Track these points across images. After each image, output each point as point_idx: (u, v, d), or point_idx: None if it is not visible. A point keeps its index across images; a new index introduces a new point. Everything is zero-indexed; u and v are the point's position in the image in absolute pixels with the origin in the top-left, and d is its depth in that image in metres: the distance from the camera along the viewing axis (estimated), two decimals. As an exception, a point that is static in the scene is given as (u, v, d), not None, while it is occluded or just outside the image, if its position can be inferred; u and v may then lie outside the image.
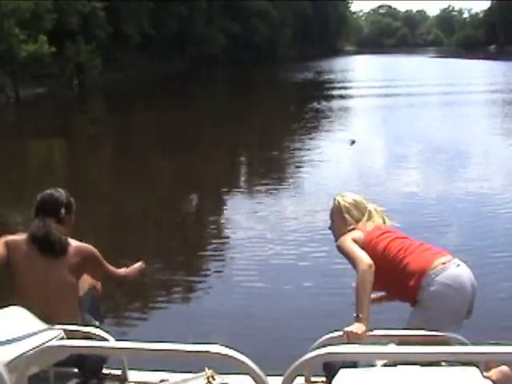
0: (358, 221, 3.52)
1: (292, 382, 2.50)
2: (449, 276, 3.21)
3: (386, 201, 8.54)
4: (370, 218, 3.54)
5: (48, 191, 3.72)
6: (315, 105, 23.92)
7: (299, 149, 14.84)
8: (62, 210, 3.65)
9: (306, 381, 3.18)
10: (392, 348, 2.03)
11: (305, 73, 45.24)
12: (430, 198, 10.09)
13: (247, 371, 2.07)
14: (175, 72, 46.80)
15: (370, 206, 3.60)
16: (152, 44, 50.00)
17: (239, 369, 3.33)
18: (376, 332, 3.14)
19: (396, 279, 3.31)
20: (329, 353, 2.02)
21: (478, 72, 48.04)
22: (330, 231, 3.67)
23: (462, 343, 3.00)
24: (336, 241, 3.54)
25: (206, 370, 3.29)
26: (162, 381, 3.23)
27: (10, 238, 3.61)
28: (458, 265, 3.29)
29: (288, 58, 67.21)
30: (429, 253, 3.34)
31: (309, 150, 14.67)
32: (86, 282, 3.71)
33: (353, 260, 3.31)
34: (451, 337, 3.05)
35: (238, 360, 2.03)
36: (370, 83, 33.91)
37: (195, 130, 18.92)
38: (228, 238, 8.37)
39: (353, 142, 14.23)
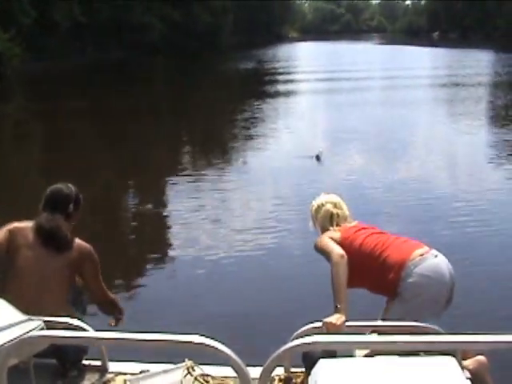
0: (323, 227, 3.61)
1: (271, 372, 2.52)
2: (427, 267, 3.25)
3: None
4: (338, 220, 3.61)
5: (58, 186, 3.77)
6: (257, 102, 21.40)
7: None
8: (71, 206, 3.71)
9: (285, 371, 3.20)
10: (368, 337, 2.05)
11: (248, 63, 42.87)
12: (371, 187, 10.16)
13: (228, 362, 2.09)
14: (111, 61, 43.27)
15: (335, 210, 3.65)
16: (85, 32, 45.99)
17: (219, 359, 3.37)
18: (354, 323, 3.17)
19: (375, 273, 3.35)
20: (307, 343, 2.04)
21: (422, 58, 48.37)
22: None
23: (439, 334, 3.04)
24: None
25: (186, 360, 3.30)
26: (142, 371, 3.23)
27: (15, 225, 3.65)
28: (436, 255, 3.33)
29: (231, 45, 65.29)
30: (406, 245, 3.38)
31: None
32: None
33: (326, 254, 3.35)
34: (429, 327, 3.09)
35: (220, 350, 2.04)
36: (316, 75, 32.95)
37: (125, 127, 17.16)
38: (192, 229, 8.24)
39: (318, 158, 11.48)
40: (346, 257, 3.25)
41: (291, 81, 29.59)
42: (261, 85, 27.27)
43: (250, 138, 15.05)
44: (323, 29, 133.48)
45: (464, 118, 17.95)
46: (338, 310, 3.16)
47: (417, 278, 3.21)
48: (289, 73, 34.36)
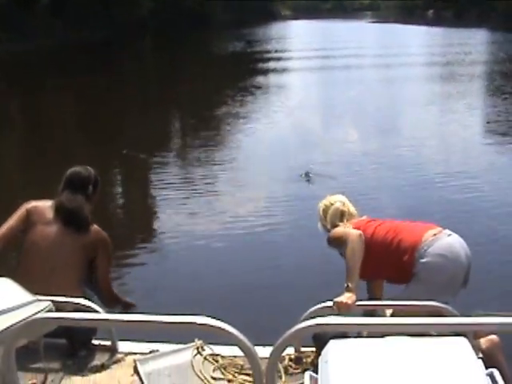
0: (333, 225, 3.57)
1: (281, 352, 2.50)
2: (441, 246, 3.21)
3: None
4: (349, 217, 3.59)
5: (77, 168, 3.80)
6: (248, 85, 20.11)
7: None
8: (90, 187, 3.74)
9: (295, 351, 3.18)
10: (381, 319, 2.02)
11: (240, 42, 40.39)
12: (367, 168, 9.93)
13: (235, 342, 2.06)
14: (96, 41, 39.38)
15: (344, 208, 3.62)
16: (67, 9, 41.38)
17: (229, 339, 3.36)
18: (366, 302, 3.15)
19: (390, 259, 3.31)
20: (318, 324, 2.01)
21: (416, 37, 47.65)
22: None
23: (452, 314, 3.00)
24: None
25: (196, 340, 3.29)
26: (151, 351, 3.22)
27: (34, 203, 3.67)
28: (450, 234, 3.30)
29: (223, 23, 63.31)
30: (418, 227, 3.35)
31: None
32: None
33: (342, 239, 3.30)
34: (442, 307, 3.05)
35: (226, 331, 2.01)
36: (307, 53, 32.15)
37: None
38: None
39: (307, 176, 9.13)
40: (363, 236, 3.22)
41: (284, 59, 29.17)
42: (252, 65, 26.55)
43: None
44: (316, 7, 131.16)
45: (459, 95, 17.77)
46: (349, 289, 3.13)
47: (431, 257, 3.18)
48: (282, 51, 33.80)
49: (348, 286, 3.14)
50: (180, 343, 3.30)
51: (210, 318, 2.04)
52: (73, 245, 3.56)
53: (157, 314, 2.15)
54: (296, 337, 2.09)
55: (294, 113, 15.30)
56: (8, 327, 2.38)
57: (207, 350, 3.21)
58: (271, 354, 2.05)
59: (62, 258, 3.52)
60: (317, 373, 2.49)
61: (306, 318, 3.20)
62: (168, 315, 2.07)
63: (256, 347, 3.29)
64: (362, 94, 18.10)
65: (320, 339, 3.17)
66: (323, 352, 2.53)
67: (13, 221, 3.66)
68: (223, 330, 2.01)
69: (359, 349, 2.40)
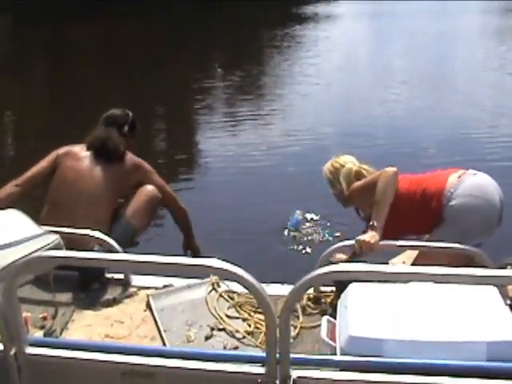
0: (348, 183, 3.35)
1: (299, 297, 2.36)
2: (468, 186, 3.03)
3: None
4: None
5: (116, 109, 3.81)
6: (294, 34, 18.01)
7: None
8: (126, 127, 3.71)
9: (314, 291, 3.05)
10: (408, 268, 1.85)
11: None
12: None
13: (244, 284, 1.92)
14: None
15: (359, 168, 3.39)
16: None
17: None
18: (390, 242, 2.98)
19: (417, 211, 3.12)
20: (338, 271, 1.85)
21: None
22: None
23: (482, 259, 2.83)
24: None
25: (211, 276, 3.17)
26: (165, 286, 3.12)
27: (66, 147, 3.63)
28: (475, 174, 3.11)
29: None
30: (441, 173, 3.18)
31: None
32: (138, 211, 3.57)
33: (370, 182, 3.11)
34: (473, 251, 2.88)
35: (236, 274, 1.87)
36: None
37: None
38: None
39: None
40: (398, 174, 3.03)
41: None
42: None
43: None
44: None
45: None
46: (374, 227, 2.97)
47: (460, 199, 2.99)
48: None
49: (373, 224, 2.97)
50: (195, 278, 3.19)
51: (226, 263, 1.88)
52: (103, 176, 3.46)
53: (170, 254, 2.01)
54: (314, 282, 1.93)
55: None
56: (10, 263, 2.27)
57: (223, 287, 3.09)
58: (286, 302, 1.91)
59: (89, 190, 3.41)
60: (335, 317, 2.37)
61: (327, 257, 3.07)
62: (183, 256, 1.93)
63: (273, 285, 3.20)
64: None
65: (341, 280, 3.04)
66: (343, 296, 2.40)
67: (43, 162, 3.59)
68: (240, 276, 1.86)
69: (381, 294, 2.26)
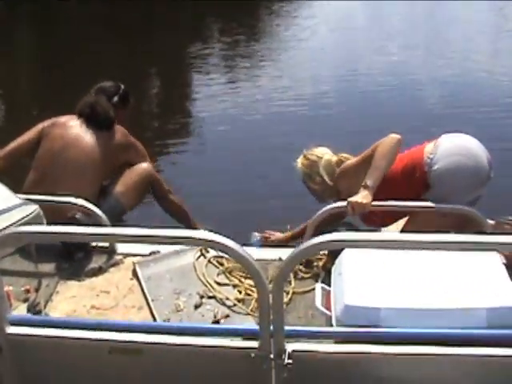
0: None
1: (292, 269, 2.27)
2: (445, 148, 2.95)
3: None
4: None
5: (107, 81, 3.67)
6: None
7: None
8: (116, 98, 3.56)
9: None
10: (408, 236, 1.76)
11: None
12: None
13: (233, 256, 1.82)
14: None
15: (337, 157, 3.25)
16: None
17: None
18: (383, 202, 2.89)
19: (402, 186, 3.00)
20: (333, 240, 1.75)
21: None
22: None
23: (478, 218, 2.76)
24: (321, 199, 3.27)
25: (199, 241, 3.08)
26: (152, 253, 3.01)
27: (52, 119, 3.47)
28: (450, 135, 3.03)
29: None
30: (416, 147, 3.07)
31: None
32: (129, 189, 3.45)
33: (369, 155, 2.97)
34: (469, 211, 2.80)
35: (225, 245, 1.76)
36: None
37: None
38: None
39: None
40: (401, 141, 2.92)
41: None
42: None
43: None
44: None
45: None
46: (367, 187, 2.86)
47: (441, 162, 2.90)
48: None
49: (366, 183, 2.87)
50: (182, 244, 3.09)
51: (213, 234, 1.77)
52: (92, 145, 3.32)
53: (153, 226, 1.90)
54: (309, 253, 1.84)
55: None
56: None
57: (212, 252, 3.00)
58: (279, 273, 1.81)
59: (77, 160, 3.27)
60: (328, 283, 2.29)
61: (319, 219, 2.98)
62: (163, 229, 1.82)
63: (264, 249, 3.11)
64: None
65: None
66: (337, 262, 2.31)
67: (28, 134, 3.44)
68: (234, 250, 1.76)
69: (377, 260, 2.18)
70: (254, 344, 1.88)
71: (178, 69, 9.86)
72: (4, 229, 2.22)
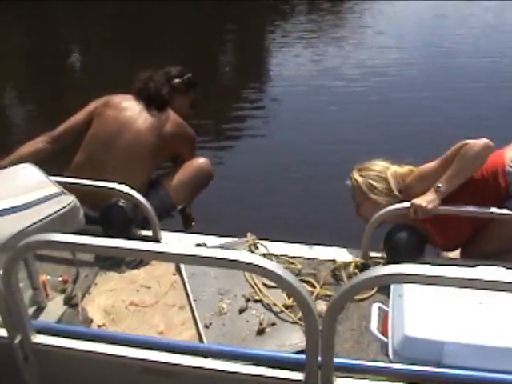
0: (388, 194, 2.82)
1: (348, 299, 2.02)
2: None
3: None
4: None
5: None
6: None
7: None
8: (177, 80, 3.33)
9: (362, 257, 2.74)
10: (488, 274, 1.49)
11: None
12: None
13: (283, 285, 1.59)
14: None
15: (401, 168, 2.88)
16: None
17: (286, 236, 2.93)
18: (449, 207, 2.61)
19: (475, 196, 2.66)
20: (394, 274, 1.50)
21: None
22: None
23: None
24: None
25: (248, 235, 2.88)
26: (197, 245, 2.83)
27: (105, 97, 3.25)
28: None
29: None
30: (495, 151, 2.68)
31: None
32: (183, 184, 3.27)
33: (448, 156, 2.64)
34: None
35: (274, 273, 1.53)
36: None
37: None
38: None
39: None
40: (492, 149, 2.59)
41: None
42: None
43: None
44: None
45: None
46: (438, 191, 2.57)
47: None
48: None
49: (438, 187, 2.58)
50: (229, 237, 2.90)
51: (263, 259, 1.55)
52: (146, 130, 3.10)
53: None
54: (369, 284, 1.60)
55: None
56: (17, 232, 2.00)
57: (261, 249, 2.79)
58: (331, 305, 1.58)
59: (129, 143, 3.08)
60: (386, 299, 2.05)
61: (379, 220, 2.72)
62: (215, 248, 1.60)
63: (316, 247, 2.88)
64: None
65: (393, 246, 2.71)
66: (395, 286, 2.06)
67: (79, 115, 3.25)
68: (277, 275, 1.53)
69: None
70: (299, 376, 1.68)
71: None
72: (36, 222, 2.08)
